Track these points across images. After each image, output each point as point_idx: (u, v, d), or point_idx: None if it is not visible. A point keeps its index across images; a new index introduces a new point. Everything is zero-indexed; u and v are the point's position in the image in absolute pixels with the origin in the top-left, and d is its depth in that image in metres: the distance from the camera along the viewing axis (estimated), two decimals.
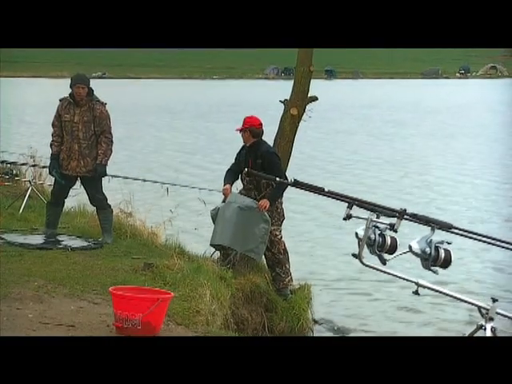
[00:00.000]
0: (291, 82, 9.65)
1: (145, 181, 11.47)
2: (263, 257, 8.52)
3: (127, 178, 11.23)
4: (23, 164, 12.40)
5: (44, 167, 10.85)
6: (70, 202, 9.56)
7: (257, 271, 8.63)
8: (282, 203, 8.57)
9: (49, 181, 11.55)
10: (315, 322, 8.96)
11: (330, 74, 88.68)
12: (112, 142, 8.59)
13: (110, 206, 8.74)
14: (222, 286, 7.52)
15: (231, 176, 8.57)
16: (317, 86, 11.41)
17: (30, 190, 10.67)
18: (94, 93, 8.62)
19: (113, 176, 9.84)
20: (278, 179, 7.90)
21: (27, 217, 9.72)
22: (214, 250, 8.58)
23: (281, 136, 9.33)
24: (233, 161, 8.69)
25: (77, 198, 9.68)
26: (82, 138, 8.51)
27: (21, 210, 10.12)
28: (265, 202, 8.22)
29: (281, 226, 8.59)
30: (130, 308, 5.58)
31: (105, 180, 8.97)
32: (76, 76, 8.71)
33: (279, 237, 8.51)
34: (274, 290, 8.53)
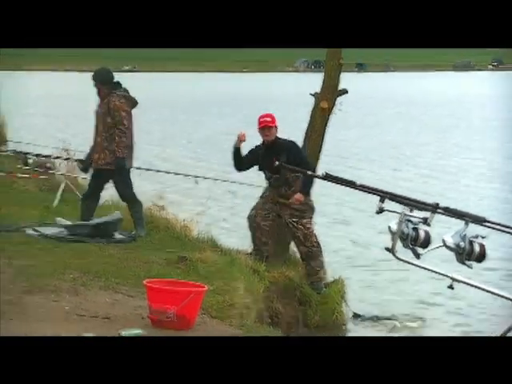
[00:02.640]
0: (321, 75, 9.63)
1: (176, 174, 11.52)
2: (296, 250, 8.54)
3: (159, 171, 11.29)
4: (57, 157, 12.51)
5: (78, 160, 10.94)
6: (104, 196, 9.61)
7: (290, 264, 8.65)
8: (310, 195, 8.56)
9: (82, 174, 11.65)
10: (355, 315, 8.90)
11: (361, 67, 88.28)
12: (124, 133, 8.47)
13: (138, 200, 8.74)
14: (256, 280, 7.54)
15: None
16: (348, 79, 11.36)
17: (64, 184, 10.78)
18: (122, 86, 8.62)
19: (146, 169, 9.90)
20: (309, 173, 7.97)
21: (61, 210, 9.81)
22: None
23: (311, 129, 9.32)
24: None
25: (110, 191, 9.74)
26: (102, 130, 8.56)
27: (55, 203, 10.23)
28: (299, 196, 8.24)
29: (312, 218, 8.60)
30: (164, 301, 5.61)
31: (136, 173, 9.01)
32: (96, 71, 8.79)
33: (311, 230, 8.52)
34: (307, 283, 8.53)
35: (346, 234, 13.09)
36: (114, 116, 8.47)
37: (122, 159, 8.52)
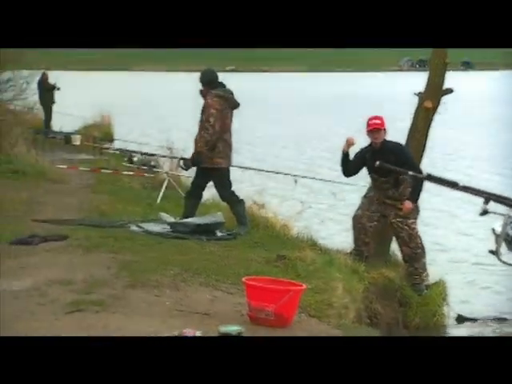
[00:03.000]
0: (426, 74, 9.45)
1: (277, 173, 11.56)
2: (399, 251, 8.42)
3: (260, 170, 11.35)
4: (161, 156, 12.77)
5: (182, 159, 11.13)
6: (206, 194, 9.74)
7: (390, 265, 8.54)
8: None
9: (185, 173, 11.85)
10: (460, 318, 8.70)
11: (467, 66, 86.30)
12: (207, 129, 8.45)
13: (239, 199, 8.79)
14: (355, 280, 7.47)
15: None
16: (453, 78, 11.12)
17: (166, 181, 10.98)
18: (223, 86, 8.69)
19: (246, 168, 9.97)
20: (410, 173, 7.84)
21: (164, 207, 9.99)
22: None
23: (414, 129, 9.17)
24: None
25: (212, 190, 9.86)
26: (199, 129, 8.68)
27: (158, 201, 10.43)
28: (408, 204, 8.11)
29: (417, 219, 8.46)
30: (263, 299, 5.63)
31: (238, 172, 9.06)
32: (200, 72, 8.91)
33: (416, 230, 8.38)
34: (408, 284, 8.40)
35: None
36: (203, 114, 8.58)
37: (199, 154, 8.58)
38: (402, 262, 8.65)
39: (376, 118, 8.36)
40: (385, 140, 8.30)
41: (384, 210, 8.39)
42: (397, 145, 8.37)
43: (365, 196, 8.63)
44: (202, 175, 8.80)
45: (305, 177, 11.37)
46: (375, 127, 8.24)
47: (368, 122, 8.31)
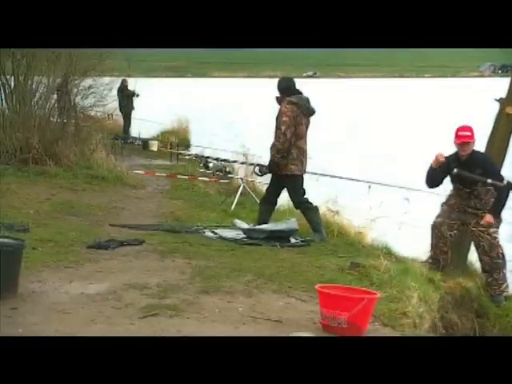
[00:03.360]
0: (508, 80, 9.24)
1: (351, 179, 11.49)
2: (478, 261, 8.25)
3: (334, 176, 11.31)
4: (236, 162, 12.84)
5: (258, 165, 11.17)
6: (280, 200, 9.74)
7: (467, 275, 8.37)
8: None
9: (260, 178, 11.89)
10: None
11: None
12: (279, 137, 8.48)
13: (313, 206, 8.74)
14: (431, 289, 7.34)
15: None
16: None
17: (241, 188, 11.03)
18: (299, 93, 8.68)
19: (321, 174, 9.95)
20: (489, 180, 7.66)
21: (238, 213, 10.03)
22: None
23: (495, 136, 8.98)
24: None
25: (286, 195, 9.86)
26: (274, 136, 8.69)
27: (232, 207, 10.48)
28: (489, 218, 7.91)
29: (498, 228, 8.26)
30: (336, 306, 5.57)
31: (313, 179, 9.04)
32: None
33: (497, 240, 8.18)
34: (486, 295, 8.21)
35: None
36: (277, 120, 8.59)
37: (272, 162, 8.61)
38: (479, 271, 8.47)
39: (465, 128, 8.02)
40: (473, 151, 8.06)
41: (465, 219, 8.20)
42: (484, 156, 8.14)
43: (445, 203, 8.46)
44: (276, 182, 8.82)
45: (378, 183, 11.27)
46: (464, 140, 7.95)
47: (457, 134, 7.99)
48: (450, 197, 8.46)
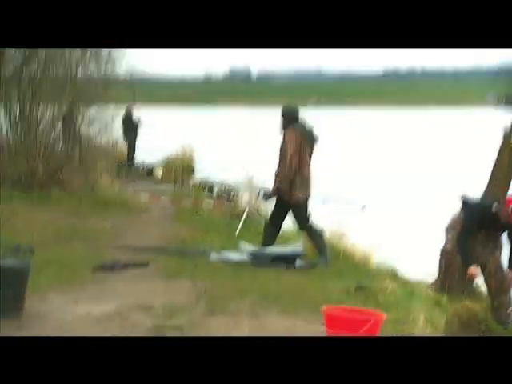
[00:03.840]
0: None
1: (356, 205, 11.51)
2: (484, 284, 8.22)
3: (339, 201, 11.34)
4: (241, 187, 12.86)
5: (263, 190, 11.17)
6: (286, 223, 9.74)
7: (474, 297, 8.34)
8: None
9: (265, 203, 11.89)
10: None
11: None
12: (284, 164, 8.56)
13: (318, 230, 8.76)
14: (437, 311, 7.32)
15: None
16: None
17: (246, 212, 11.04)
18: (303, 121, 8.75)
19: (326, 199, 9.96)
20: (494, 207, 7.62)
21: (243, 236, 10.03)
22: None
23: (498, 167, 8.94)
24: None
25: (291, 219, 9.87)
26: (278, 162, 8.74)
27: (237, 231, 10.48)
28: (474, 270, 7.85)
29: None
30: (342, 328, 5.56)
31: (318, 203, 9.06)
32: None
33: (501, 263, 8.17)
34: (493, 317, 8.17)
35: None
36: (281, 148, 8.65)
37: (275, 190, 8.67)
38: (486, 294, 8.43)
39: None
40: None
41: (472, 246, 8.21)
42: None
43: (451, 229, 8.40)
44: (280, 207, 8.88)
45: (381, 208, 11.30)
46: None
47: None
48: (454, 222, 8.44)
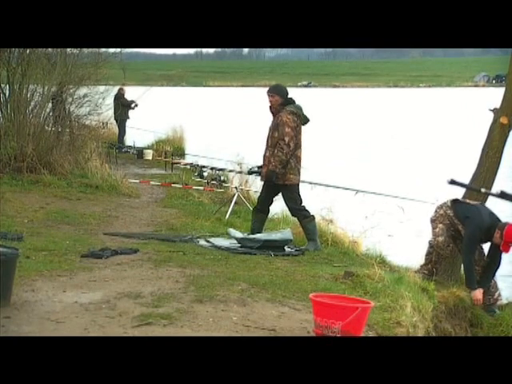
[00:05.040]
0: (502, 90, 9.27)
1: (346, 189, 11.51)
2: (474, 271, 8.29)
3: (328, 186, 11.33)
4: (231, 171, 12.85)
5: (252, 173, 11.17)
6: (274, 209, 9.75)
7: (460, 284, 8.39)
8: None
9: (254, 187, 11.91)
10: None
11: None
12: (282, 148, 8.54)
13: (309, 215, 8.77)
14: (424, 298, 7.36)
15: None
16: None
17: (236, 196, 11.04)
18: (295, 102, 8.71)
19: (315, 184, 9.97)
20: (483, 190, 7.69)
21: (233, 222, 10.04)
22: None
23: (489, 146, 9.01)
24: None
25: (280, 204, 9.87)
26: (270, 145, 8.71)
27: (227, 216, 10.48)
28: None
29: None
30: (330, 316, 5.57)
31: (308, 188, 9.06)
32: (271, 86, 8.96)
33: (484, 251, 8.24)
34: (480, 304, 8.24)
35: None
36: (279, 131, 8.60)
37: (273, 172, 8.61)
38: None
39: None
40: None
41: (458, 235, 8.29)
42: None
43: (439, 222, 8.41)
44: (268, 189, 8.85)
45: (373, 192, 11.29)
46: None
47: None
48: (440, 216, 8.41)
